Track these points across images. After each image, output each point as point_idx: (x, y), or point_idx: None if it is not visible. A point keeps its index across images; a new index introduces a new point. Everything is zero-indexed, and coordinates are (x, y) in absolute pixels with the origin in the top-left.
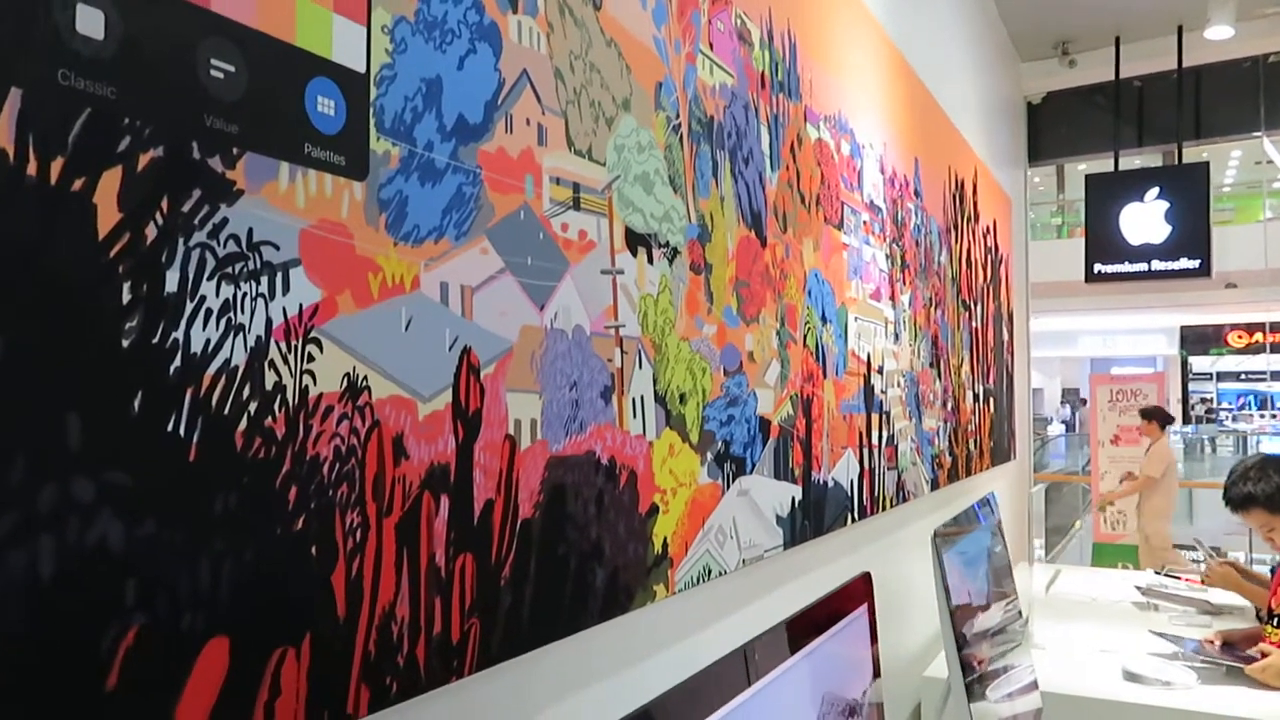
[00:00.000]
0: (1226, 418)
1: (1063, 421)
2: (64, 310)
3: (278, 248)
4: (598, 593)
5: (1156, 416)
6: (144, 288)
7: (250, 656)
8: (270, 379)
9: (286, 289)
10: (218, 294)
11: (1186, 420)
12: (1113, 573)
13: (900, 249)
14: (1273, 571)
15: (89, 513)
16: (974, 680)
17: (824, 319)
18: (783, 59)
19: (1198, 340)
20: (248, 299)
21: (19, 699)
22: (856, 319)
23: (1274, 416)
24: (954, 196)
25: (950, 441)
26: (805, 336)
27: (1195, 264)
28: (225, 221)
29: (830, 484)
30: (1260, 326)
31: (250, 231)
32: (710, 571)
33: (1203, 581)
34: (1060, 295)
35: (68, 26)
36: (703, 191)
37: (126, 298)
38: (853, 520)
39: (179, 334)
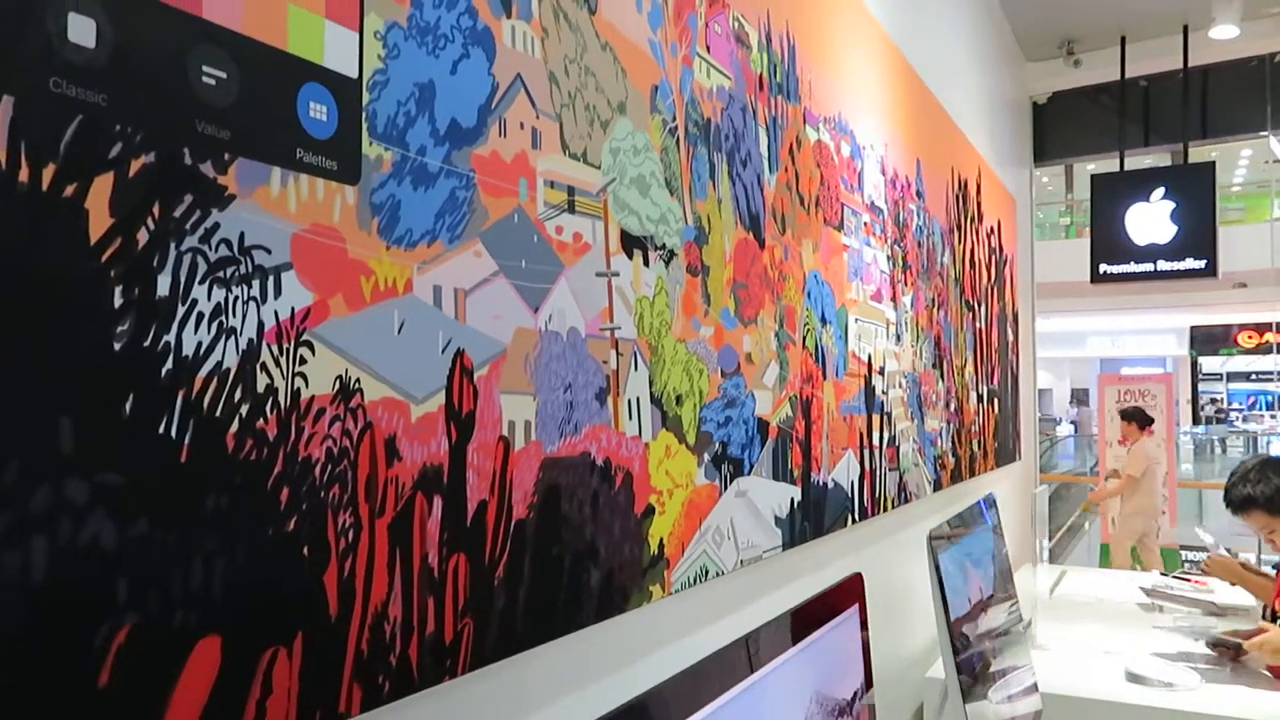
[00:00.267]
0: (1237, 418)
1: (1071, 422)
2: (56, 314)
3: (269, 252)
4: (593, 593)
5: (1135, 417)
6: (135, 291)
7: (242, 655)
8: (262, 381)
9: (278, 292)
10: (209, 298)
11: (1196, 421)
12: (1119, 574)
13: (902, 250)
14: (1276, 569)
15: (82, 513)
16: (971, 682)
17: (824, 320)
18: (781, 61)
19: (1207, 340)
20: (239, 302)
21: (11, 697)
22: (857, 320)
23: None
24: (957, 197)
25: (954, 442)
26: (804, 338)
27: (1201, 264)
28: (217, 226)
29: (830, 485)
30: (1269, 326)
31: (242, 236)
32: (708, 572)
33: (1203, 570)
34: (1069, 295)
35: (60, 35)
36: (700, 194)
37: (118, 301)
38: (854, 521)
39: (170, 337)
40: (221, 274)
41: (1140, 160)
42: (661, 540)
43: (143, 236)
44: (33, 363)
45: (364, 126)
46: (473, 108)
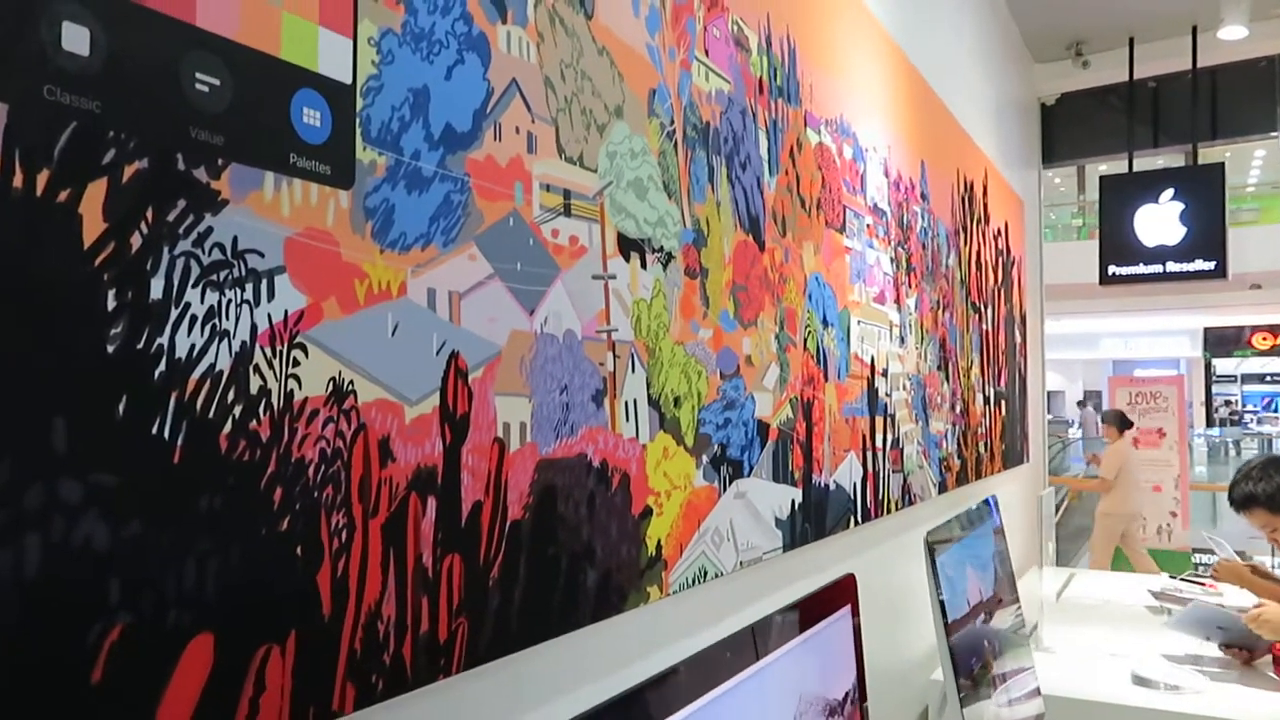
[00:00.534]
0: (1251, 420)
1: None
2: (50, 317)
3: (263, 255)
4: (589, 594)
5: (1114, 420)
6: (129, 295)
7: (235, 653)
8: (255, 383)
9: (271, 295)
10: (202, 301)
11: (1210, 423)
12: (1127, 577)
13: (906, 252)
14: None
15: (75, 513)
16: (971, 685)
17: (825, 322)
18: (782, 64)
19: (1221, 342)
20: (232, 305)
21: (5, 694)
22: (859, 322)
23: None
24: (963, 199)
25: (959, 444)
26: (805, 340)
27: (1211, 265)
28: (210, 230)
29: (832, 487)
30: None
31: (235, 240)
32: (707, 573)
33: (1213, 576)
34: (1080, 297)
35: (54, 43)
36: (698, 197)
37: (111, 304)
38: (856, 523)
39: (164, 339)
40: (214, 277)
41: (1149, 161)
42: (659, 541)
43: (136, 241)
44: (27, 365)
45: (358, 132)
46: (467, 113)
